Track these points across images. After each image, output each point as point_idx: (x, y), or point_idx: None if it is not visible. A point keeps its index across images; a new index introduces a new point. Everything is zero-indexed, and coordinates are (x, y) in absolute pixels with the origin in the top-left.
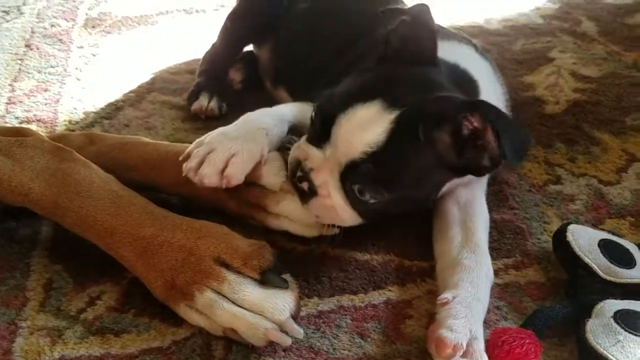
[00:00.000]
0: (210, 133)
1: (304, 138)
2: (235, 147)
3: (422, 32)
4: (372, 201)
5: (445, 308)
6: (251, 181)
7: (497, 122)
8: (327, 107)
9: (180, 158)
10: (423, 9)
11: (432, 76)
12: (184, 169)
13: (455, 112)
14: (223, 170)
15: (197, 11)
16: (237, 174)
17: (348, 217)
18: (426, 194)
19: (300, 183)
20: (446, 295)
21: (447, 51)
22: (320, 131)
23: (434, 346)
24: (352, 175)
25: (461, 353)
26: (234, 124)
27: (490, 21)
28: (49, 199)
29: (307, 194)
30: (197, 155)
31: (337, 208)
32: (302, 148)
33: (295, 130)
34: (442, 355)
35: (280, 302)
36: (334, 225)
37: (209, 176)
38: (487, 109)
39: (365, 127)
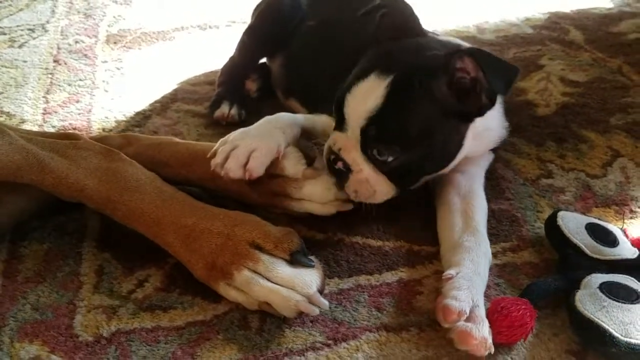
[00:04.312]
0: (233, 132)
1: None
2: (255, 144)
3: (404, 13)
4: (390, 159)
5: (450, 282)
6: (275, 173)
7: (482, 60)
8: (339, 95)
9: (208, 155)
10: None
11: (422, 42)
12: (212, 165)
13: (447, 63)
14: (246, 164)
15: (210, 27)
16: (257, 167)
17: (383, 188)
18: (447, 147)
19: (336, 164)
20: (450, 272)
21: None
22: (338, 116)
23: (441, 314)
24: (365, 142)
25: (464, 318)
26: (254, 124)
27: (483, 31)
28: (102, 194)
29: (344, 173)
30: (223, 152)
31: (370, 180)
32: (330, 137)
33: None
34: (448, 321)
35: (308, 278)
36: (350, 201)
37: (233, 170)
38: (473, 53)
39: (365, 97)
